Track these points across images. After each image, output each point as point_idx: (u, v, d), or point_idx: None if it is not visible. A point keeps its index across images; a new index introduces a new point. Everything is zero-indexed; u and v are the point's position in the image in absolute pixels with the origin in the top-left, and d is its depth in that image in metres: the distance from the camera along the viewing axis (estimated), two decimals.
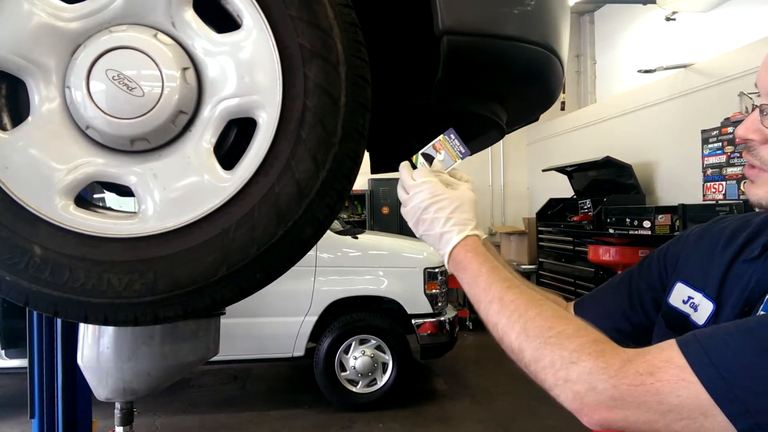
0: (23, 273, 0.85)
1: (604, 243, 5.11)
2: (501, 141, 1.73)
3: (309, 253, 0.98)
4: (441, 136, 1.03)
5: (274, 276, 0.94)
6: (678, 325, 0.82)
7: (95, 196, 2.51)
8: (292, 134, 0.87)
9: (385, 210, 7.34)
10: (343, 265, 4.21)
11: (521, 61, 1.14)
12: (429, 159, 1.01)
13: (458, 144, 1.02)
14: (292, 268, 0.97)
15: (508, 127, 1.54)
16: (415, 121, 1.08)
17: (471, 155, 1.03)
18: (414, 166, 0.98)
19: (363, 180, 7.40)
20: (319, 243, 1.03)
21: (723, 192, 4.53)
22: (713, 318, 0.78)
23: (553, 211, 6.66)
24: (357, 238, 4.37)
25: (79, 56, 0.86)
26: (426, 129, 1.13)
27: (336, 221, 4.77)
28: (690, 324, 0.81)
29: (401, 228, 6.74)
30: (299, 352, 4.14)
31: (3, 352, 4.04)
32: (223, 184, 0.88)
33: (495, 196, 8.68)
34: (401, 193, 0.97)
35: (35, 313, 2.15)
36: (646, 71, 5.76)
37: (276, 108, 0.88)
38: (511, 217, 8.60)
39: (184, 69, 0.87)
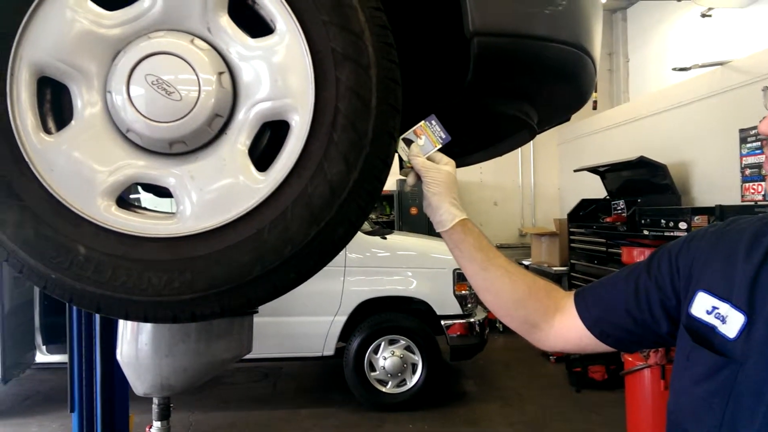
0: (68, 271, 0.88)
1: (638, 245, 5.00)
2: (531, 141, 1.72)
3: (341, 253, 0.99)
4: (422, 122, 1.07)
5: (306, 276, 0.96)
6: (704, 337, 0.78)
7: (131, 196, 2.58)
8: (324, 136, 0.89)
9: (414, 211, 7.33)
10: (372, 265, 4.23)
11: (552, 61, 1.14)
12: (409, 143, 1.06)
13: (439, 130, 1.07)
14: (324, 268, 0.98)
15: (539, 128, 1.53)
16: (446, 122, 1.08)
17: (451, 140, 1.08)
18: (395, 151, 1.03)
19: (391, 180, 7.42)
20: (349, 244, 1.05)
21: (763, 192, 4.39)
22: (746, 330, 0.74)
23: (585, 212, 6.56)
24: (386, 238, 4.38)
25: (119, 62, 0.89)
26: (457, 129, 1.13)
27: (365, 222, 4.78)
28: (717, 336, 0.76)
29: (429, 229, 6.72)
30: (329, 351, 4.17)
31: (44, 347, 4.18)
32: (258, 186, 0.90)
33: (525, 197, 8.59)
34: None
35: (75, 309, 2.22)
36: (681, 69, 5.62)
37: (308, 111, 0.89)
38: (542, 218, 8.49)
39: (220, 73, 0.89)
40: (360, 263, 4.21)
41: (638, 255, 4.95)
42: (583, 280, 6.31)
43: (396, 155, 1.04)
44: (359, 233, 4.18)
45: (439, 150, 1.08)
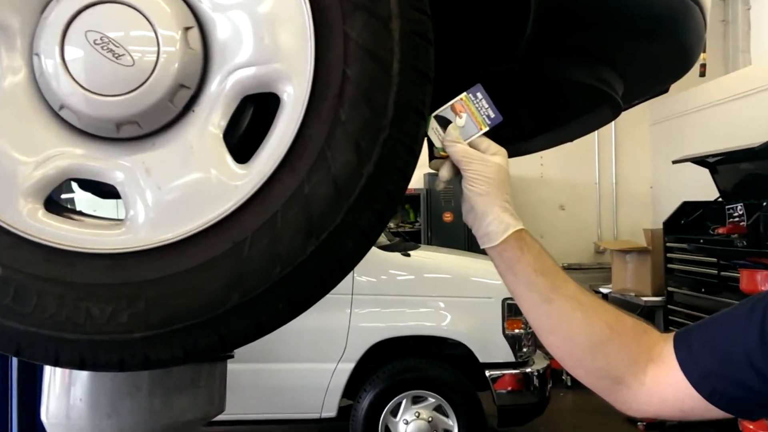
0: None
1: (764, 266, 4.93)
2: (613, 121, 1.72)
3: None
4: (463, 94, 1.09)
5: (301, 307, 0.96)
6: None
7: (63, 197, 2.61)
8: (327, 115, 0.89)
9: (448, 217, 7.34)
10: (390, 292, 4.23)
11: (643, 8, 1.14)
12: (444, 123, 1.08)
13: (486, 106, 1.08)
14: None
15: (625, 102, 1.53)
16: (496, 96, 1.08)
17: (503, 121, 1.09)
18: (424, 134, 1.03)
19: (417, 175, 7.43)
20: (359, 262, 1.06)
21: None
22: None
23: (687, 220, 6.49)
24: (409, 255, 4.38)
25: (50, 15, 0.90)
26: (510, 106, 1.14)
27: (382, 233, 4.79)
28: None
29: (469, 242, 6.72)
30: (330, 412, 4.17)
31: None
32: (236, 183, 0.91)
33: (604, 199, 8.55)
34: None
35: None
36: None
37: (306, 79, 0.90)
38: (627, 227, 8.44)
39: (186, 29, 0.90)
40: (373, 290, 4.21)
41: (764, 281, 4.88)
42: (685, 317, 6.24)
43: (426, 140, 1.05)
44: (373, 248, 4.18)
45: (486, 134, 1.09)
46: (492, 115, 1.08)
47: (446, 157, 1.08)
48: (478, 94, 1.08)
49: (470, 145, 1.08)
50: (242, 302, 0.90)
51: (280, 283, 0.91)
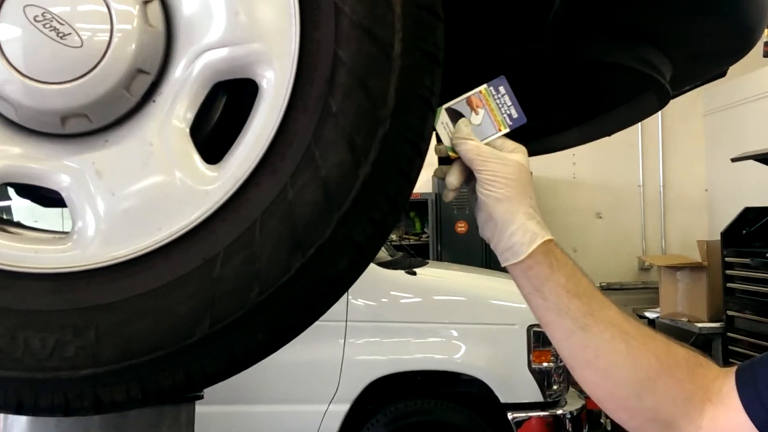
0: None
1: None
2: (661, 112, 1.72)
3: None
4: (483, 87, 1.09)
5: (285, 337, 0.97)
6: None
7: None
8: (315, 105, 0.90)
9: (461, 227, 7.35)
10: (392, 319, 4.22)
11: None
12: (457, 118, 1.09)
13: (508, 103, 1.09)
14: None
15: (673, 88, 1.53)
16: (518, 78, 1.08)
17: (524, 123, 1.09)
18: (432, 129, 1.04)
19: (425, 177, 7.42)
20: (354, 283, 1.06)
21: None
22: None
23: (750, 230, 6.48)
24: (415, 273, 4.37)
25: None
26: (535, 94, 1.15)
27: (381, 247, 4.77)
28: None
29: (487, 257, 6.72)
30: None
31: None
32: (206, 187, 0.91)
33: (649, 205, 8.57)
34: None
35: None
36: None
37: (290, 63, 0.90)
38: (677, 238, 8.45)
39: (145, 3, 0.90)
40: (372, 315, 4.21)
41: None
42: (748, 347, 6.22)
43: (434, 135, 1.06)
44: (371, 266, 4.17)
45: (507, 135, 1.10)
46: (514, 115, 1.09)
47: (456, 158, 1.09)
48: (501, 89, 1.09)
49: (486, 144, 1.09)
50: (214, 331, 0.90)
51: (259, 307, 0.91)
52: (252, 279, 0.90)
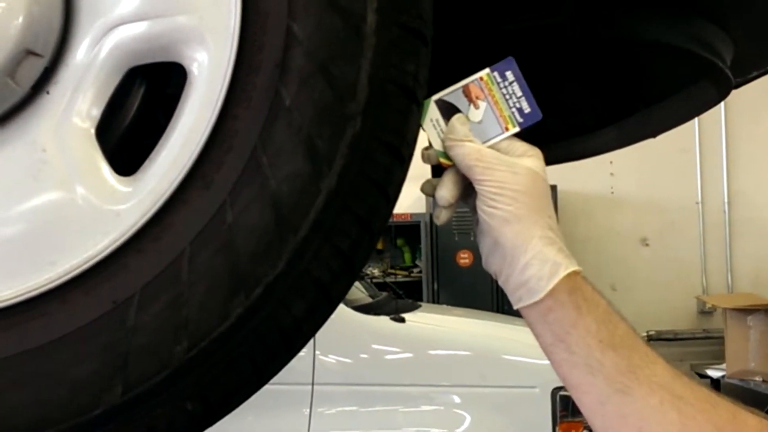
0: None
1: None
2: (721, 106, 1.73)
3: (300, 354, 0.99)
4: (484, 72, 1.08)
5: (222, 407, 0.96)
6: None
7: None
8: (262, 97, 0.89)
9: (464, 258, 7.35)
10: (374, 381, 4.20)
11: None
12: (451, 114, 1.08)
13: (518, 93, 1.08)
14: (265, 389, 0.99)
15: (736, 75, 1.54)
16: (531, 62, 1.08)
17: (539, 119, 1.08)
18: (418, 127, 1.04)
19: (415, 194, 7.45)
20: (320, 334, 1.05)
21: None
22: None
23: None
24: (403, 320, 4.37)
25: None
26: (559, 81, 1.14)
27: (358, 284, 4.77)
28: None
29: (499, 298, 6.71)
30: None
31: None
32: (117, 207, 0.90)
33: (710, 229, 8.60)
34: None
35: None
36: None
37: (228, 41, 0.90)
38: (748, 273, 8.48)
39: None
40: (347, 377, 4.19)
41: None
42: None
43: (422, 137, 1.05)
44: (345, 311, 4.17)
45: (516, 135, 1.09)
46: (526, 109, 1.08)
47: (449, 167, 1.08)
48: (509, 74, 1.08)
49: (490, 147, 1.08)
50: (126, 401, 0.89)
51: (189, 368, 0.90)
52: (178, 330, 0.89)
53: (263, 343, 0.94)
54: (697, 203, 8.56)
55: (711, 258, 8.55)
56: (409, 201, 7.18)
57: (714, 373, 7.27)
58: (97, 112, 0.92)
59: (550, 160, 1.10)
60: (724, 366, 7.24)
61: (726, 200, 8.57)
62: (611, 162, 8.06)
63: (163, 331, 0.89)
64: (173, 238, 0.89)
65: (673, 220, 8.55)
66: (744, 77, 1.60)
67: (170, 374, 0.89)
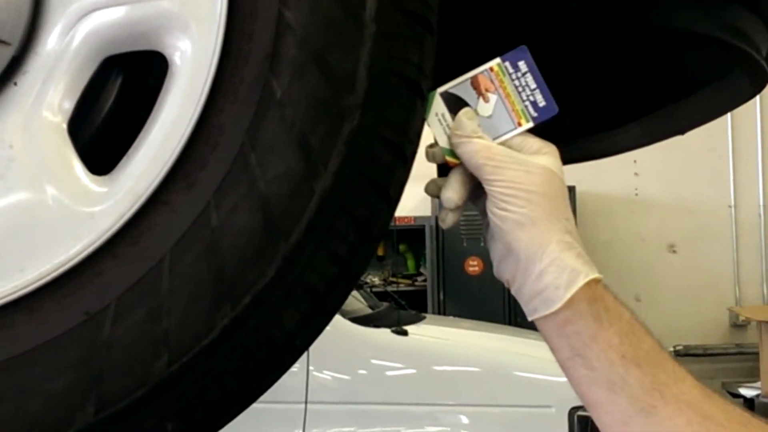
0: None
1: None
2: (756, 100, 1.73)
3: (292, 369, 1.00)
4: (495, 62, 1.08)
5: (206, 427, 0.96)
6: None
7: None
8: (251, 90, 0.89)
9: (474, 265, 7.35)
10: (374, 399, 4.21)
11: None
12: (457, 105, 1.07)
13: (532, 85, 1.08)
14: (253, 407, 0.99)
15: None
16: (546, 52, 1.08)
17: (555, 114, 1.08)
18: (421, 122, 1.03)
19: (419, 196, 7.44)
20: (314, 348, 1.05)
21: None
22: None
23: None
24: (406, 333, 4.37)
25: None
26: (578, 72, 1.14)
27: (356, 293, 4.77)
28: None
29: (512, 309, 6.71)
30: None
31: None
32: (91, 208, 0.90)
33: (745, 234, 8.60)
34: None
35: None
36: None
37: (214, 28, 0.90)
38: None
39: None
40: (344, 395, 4.19)
41: None
42: None
43: (427, 133, 1.05)
44: (343, 322, 4.17)
45: (530, 131, 1.08)
46: (541, 102, 1.07)
47: (456, 166, 1.07)
48: (521, 65, 1.07)
49: (501, 144, 1.07)
50: (101, 420, 0.89)
51: (169, 384, 0.90)
52: (158, 343, 0.88)
53: (251, 357, 0.94)
54: (730, 206, 8.55)
55: (745, 266, 8.53)
56: (413, 203, 7.16)
57: (747, 392, 7.26)
58: (69, 105, 0.92)
59: (568, 159, 1.09)
60: (758, 384, 7.24)
61: (761, 203, 8.56)
62: (635, 161, 8.05)
63: (141, 345, 0.88)
64: (152, 242, 0.89)
65: (703, 224, 8.53)
66: None
67: (149, 391, 0.89)
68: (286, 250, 0.90)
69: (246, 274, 0.89)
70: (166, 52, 0.92)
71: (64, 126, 0.92)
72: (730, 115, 7.45)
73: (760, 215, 8.52)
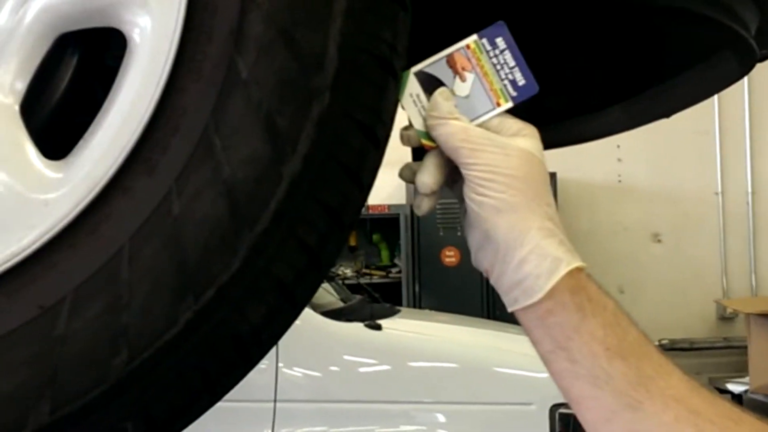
0: None
1: None
2: (744, 82, 1.73)
3: (260, 366, 0.99)
4: (471, 38, 1.07)
5: (169, 427, 0.96)
6: None
7: None
8: (214, 69, 0.89)
9: (450, 256, 7.37)
10: (346, 397, 4.21)
11: None
12: (432, 84, 1.07)
13: (510, 63, 1.07)
14: (218, 406, 0.99)
15: (762, 47, 1.54)
16: (525, 28, 1.08)
17: (535, 93, 1.07)
18: (395, 102, 1.03)
19: (394, 182, 7.45)
20: (283, 343, 1.04)
21: None
22: None
23: None
24: (380, 327, 4.37)
25: None
26: (560, 51, 1.14)
27: (327, 286, 4.77)
28: None
29: (491, 301, 6.73)
30: None
31: None
32: (45, 195, 0.89)
33: (732, 223, 8.65)
34: None
35: None
36: None
37: (174, 3, 0.89)
38: None
39: None
40: (314, 392, 4.20)
41: None
42: None
43: (401, 115, 1.05)
44: (313, 315, 4.17)
45: (509, 111, 1.08)
46: (520, 81, 1.07)
47: (431, 149, 1.07)
48: (499, 41, 1.07)
49: (479, 125, 1.07)
50: (56, 420, 0.88)
51: (129, 382, 0.89)
52: (117, 338, 0.88)
53: (216, 353, 0.94)
54: (717, 194, 8.60)
55: (732, 256, 8.59)
56: (388, 190, 7.18)
57: (736, 387, 7.31)
58: (21, 86, 0.92)
59: (549, 144, 1.09)
60: (747, 379, 7.29)
61: (750, 190, 8.60)
62: (618, 146, 8.08)
63: (99, 340, 0.88)
64: (111, 231, 0.89)
65: (689, 212, 8.57)
66: None
67: (108, 389, 0.89)
68: (253, 238, 0.89)
69: (210, 264, 0.89)
70: (125, 29, 0.91)
71: (16, 108, 0.91)
72: (717, 98, 7.49)
73: (747, 203, 8.57)
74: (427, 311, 6.03)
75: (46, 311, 0.88)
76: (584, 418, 1.04)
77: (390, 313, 4.67)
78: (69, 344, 0.88)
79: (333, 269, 6.87)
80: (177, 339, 0.89)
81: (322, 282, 1.09)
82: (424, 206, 1.09)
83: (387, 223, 7.64)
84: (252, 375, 1.02)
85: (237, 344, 0.94)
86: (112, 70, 0.92)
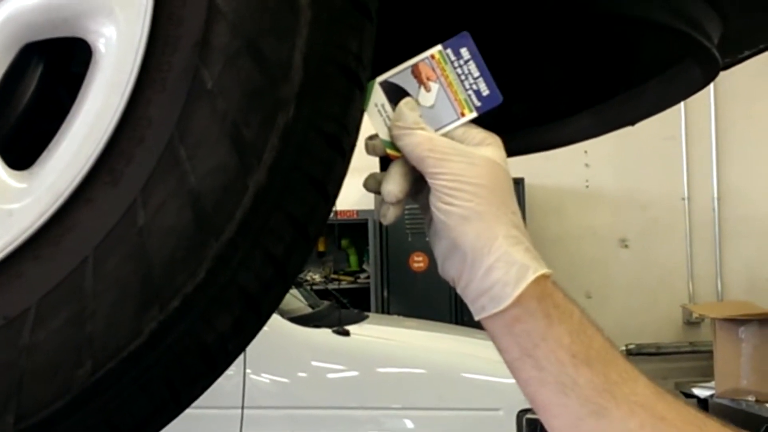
0: None
1: None
2: (710, 89, 1.74)
3: (227, 372, 1.00)
4: (436, 49, 1.08)
5: None
6: None
7: None
8: (180, 79, 0.89)
9: (419, 262, 7.37)
10: (313, 403, 4.21)
11: None
12: (397, 94, 1.07)
13: (475, 73, 1.07)
14: (186, 413, 0.99)
15: (725, 55, 1.55)
16: (491, 38, 1.08)
17: (499, 103, 1.07)
18: (360, 112, 1.04)
19: (361, 190, 7.45)
20: (250, 349, 1.05)
21: None
22: None
23: None
24: (348, 333, 4.37)
25: None
26: (526, 59, 1.14)
27: (295, 292, 4.76)
28: None
29: (459, 308, 6.74)
30: None
31: None
32: (8, 206, 0.89)
33: (698, 229, 8.68)
34: None
35: None
36: None
37: (140, 13, 0.89)
38: (741, 279, 8.57)
39: None
40: (282, 399, 4.19)
41: None
42: None
43: (366, 125, 1.05)
44: (281, 322, 4.16)
45: (474, 121, 1.08)
46: (485, 91, 1.07)
47: (396, 159, 1.07)
48: (463, 51, 1.07)
49: (444, 135, 1.07)
50: (20, 431, 0.88)
51: (94, 393, 0.89)
52: (81, 349, 0.88)
53: (181, 363, 0.93)
54: (683, 199, 8.63)
55: (698, 261, 8.62)
56: (356, 196, 7.10)
57: (701, 392, 7.34)
58: None
59: (516, 150, 1.10)
60: (712, 384, 7.31)
61: (716, 196, 8.64)
62: (586, 152, 8.10)
63: (64, 351, 0.88)
64: (75, 242, 0.88)
65: (655, 218, 8.60)
66: (733, 57, 1.61)
67: (72, 400, 0.88)
68: (218, 249, 0.89)
69: (175, 275, 0.89)
70: (90, 39, 0.90)
71: None
72: (683, 105, 7.53)
73: (714, 209, 8.60)
74: (395, 317, 6.03)
75: (11, 322, 0.87)
76: (551, 425, 1.05)
77: (358, 319, 4.68)
78: (33, 355, 0.87)
79: (301, 275, 6.87)
80: (142, 350, 0.89)
81: (287, 292, 1.09)
82: (390, 215, 1.09)
83: (355, 228, 7.63)
84: (219, 381, 1.01)
85: (203, 354, 0.94)
86: (78, 77, 0.92)
